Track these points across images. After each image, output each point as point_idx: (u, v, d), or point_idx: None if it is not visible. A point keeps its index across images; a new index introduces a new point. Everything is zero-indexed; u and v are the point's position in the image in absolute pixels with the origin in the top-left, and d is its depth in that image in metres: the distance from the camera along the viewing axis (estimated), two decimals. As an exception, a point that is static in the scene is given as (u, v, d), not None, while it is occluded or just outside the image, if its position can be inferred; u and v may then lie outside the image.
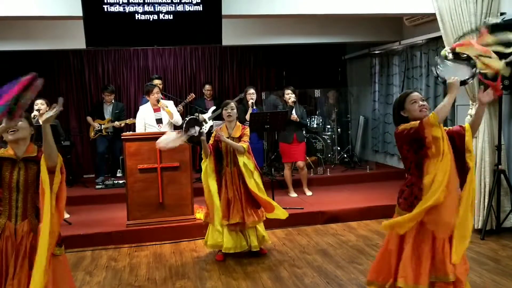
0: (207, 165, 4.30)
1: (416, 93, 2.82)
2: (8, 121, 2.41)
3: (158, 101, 5.81)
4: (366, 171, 7.55)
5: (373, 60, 8.36)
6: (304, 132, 6.68)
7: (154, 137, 5.22)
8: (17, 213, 2.59)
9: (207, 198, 4.30)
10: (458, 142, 2.78)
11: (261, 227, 4.45)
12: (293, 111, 6.23)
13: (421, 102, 2.77)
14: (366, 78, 8.63)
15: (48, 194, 2.51)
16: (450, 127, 2.89)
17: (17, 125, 2.57)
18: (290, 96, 6.23)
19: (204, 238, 4.50)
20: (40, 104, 5.44)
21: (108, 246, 4.91)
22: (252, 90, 6.64)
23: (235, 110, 4.39)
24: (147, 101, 6.04)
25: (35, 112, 5.35)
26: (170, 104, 5.97)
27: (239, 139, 4.34)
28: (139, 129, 5.81)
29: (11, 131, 2.58)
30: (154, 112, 5.86)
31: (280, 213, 4.42)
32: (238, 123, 4.44)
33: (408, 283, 2.63)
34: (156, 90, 5.85)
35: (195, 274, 4.10)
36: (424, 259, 2.66)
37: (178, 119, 5.86)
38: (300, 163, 6.32)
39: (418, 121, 2.67)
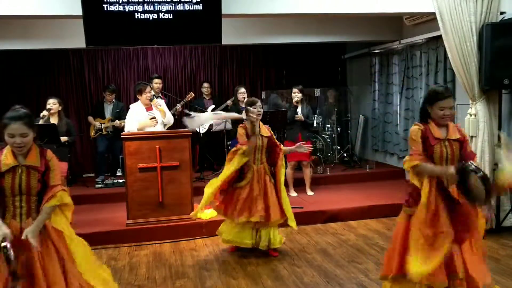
0: (240, 160, 4.25)
1: (450, 101, 2.79)
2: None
3: (151, 99, 5.58)
4: (366, 170, 7.55)
5: (373, 59, 8.36)
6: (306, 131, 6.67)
7: (154, 136, 5.27)
8: (21, 212, 2.64)
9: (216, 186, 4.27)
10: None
11: (277, 229, 4.41)
12: (299, 110, 6.23)
13: (448, 112, 2.78)
14: (366, 77, 8.63)
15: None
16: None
17: (22, 141, 2.56)
18: (295, 95, 6.24)
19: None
20: (52, 103, 5.42)
21: (108, 245, 4.91)
22: (243, 89, 6.52)
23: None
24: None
25: (44, 112, 5.33)
26: (162, 103, 5.75)
27: (268, 138, 4.35)
28: (130, 128, 5.42)
29: (17, 147, 2.57)
30: (147, 110, 5.61)
31: (293, 225, 4.31)
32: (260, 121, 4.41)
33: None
34: (148, 89, 5.62)
35: (194, 273, 4.10)
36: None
37: (170, 118, 5.66)
38: (305, 162, 6.33)
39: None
